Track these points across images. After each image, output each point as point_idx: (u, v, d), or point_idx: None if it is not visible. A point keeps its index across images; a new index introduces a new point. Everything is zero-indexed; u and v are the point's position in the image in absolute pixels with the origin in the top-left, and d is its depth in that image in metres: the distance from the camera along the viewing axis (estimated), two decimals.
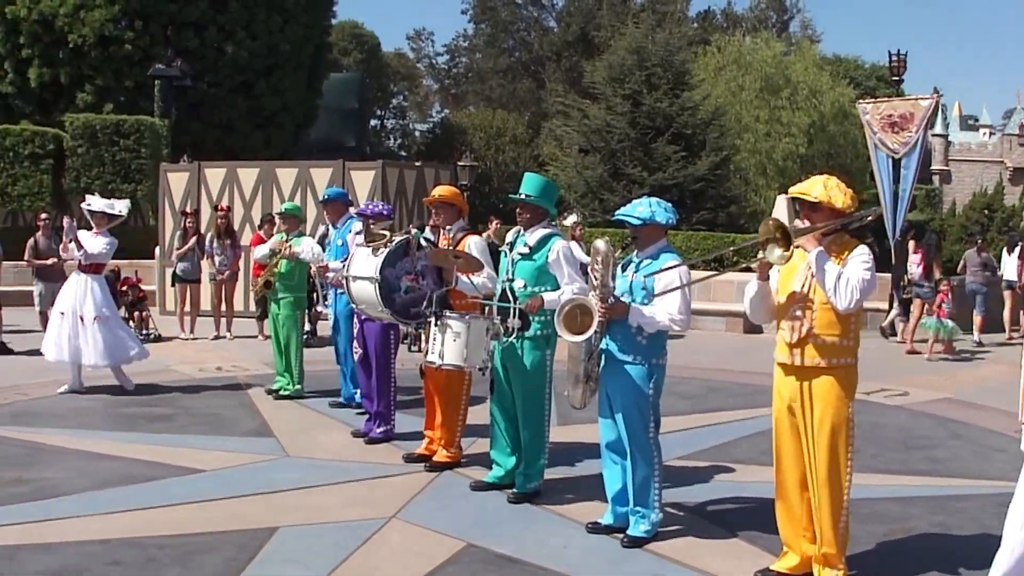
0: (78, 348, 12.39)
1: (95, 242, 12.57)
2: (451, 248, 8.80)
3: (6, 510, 7.87)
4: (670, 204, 7.34)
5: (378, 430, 10.27)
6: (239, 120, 35.17)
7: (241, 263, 18.81)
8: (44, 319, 15.27)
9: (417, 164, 24.72)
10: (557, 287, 8.02)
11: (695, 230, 26.64)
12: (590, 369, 7.26)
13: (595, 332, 7.05)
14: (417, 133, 66.43)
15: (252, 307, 19.55)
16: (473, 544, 7.22)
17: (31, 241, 16.98)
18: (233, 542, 7.18)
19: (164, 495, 8.34)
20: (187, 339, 17.92)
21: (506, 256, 8.36)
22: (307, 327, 15.03)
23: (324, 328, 15.46)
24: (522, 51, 62.62)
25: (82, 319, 12.39)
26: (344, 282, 9.29)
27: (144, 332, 17.68)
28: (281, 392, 12.58)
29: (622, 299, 7.13)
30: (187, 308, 18.38)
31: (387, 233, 9.09)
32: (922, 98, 20.73)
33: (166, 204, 21.67)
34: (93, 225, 12.71)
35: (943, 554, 7.15)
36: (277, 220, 13.57)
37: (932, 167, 58.37)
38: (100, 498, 8.25)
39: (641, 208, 7.18)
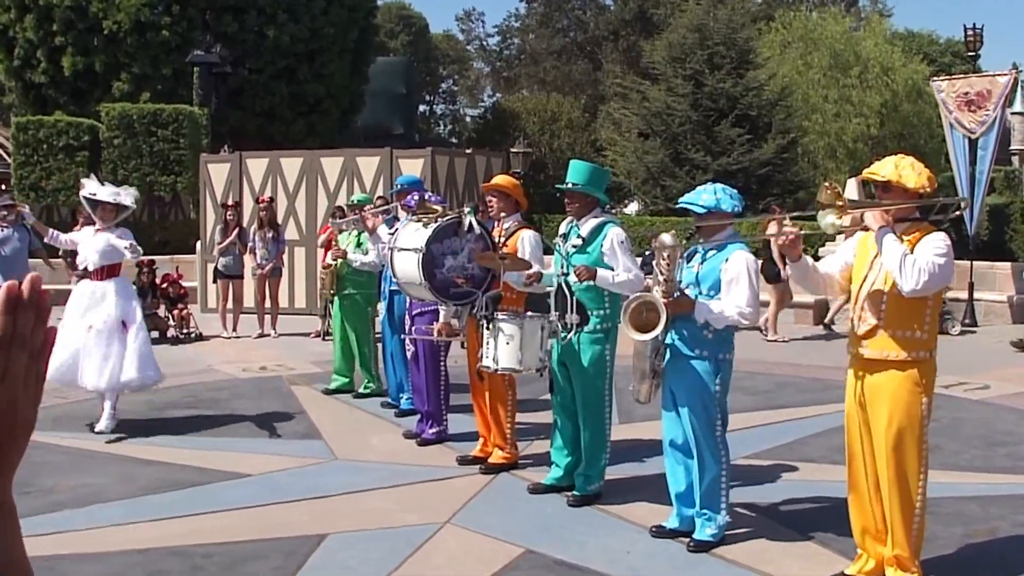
0: (88, 370, 10.12)
1: (100, 240, 10.33)
2: (498, 250, 8.52)
3: (46, 518, 7.70)
4: (735, 191, 7.11)
5: (430, 431, 9.99)
6: (281, 107, 34.92)
7: (285, 257, 18.54)
8: None
9: (468, 151, 24.50)
10: None
11: (762, 217, 26.14)
12: (656, 364, 7.03)
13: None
14: (468, 119, 66.31)
15: (298, 303, 19.33)
16: (532, 550, 7.04)
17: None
18: (281, 549, 7.07)
19: (209, 501, 8.21)
20: (230, 338, 17.55)
21: (559, 248, 8.09)
22: None
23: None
24: (577, 31, 61.97)
25: (91, 327, 10.10)
26: (388, 254, 9.09)
27: (185, 331, 17.46)
28: (362, 391, 12.27)
29: (687, 292, 6.88)
30: (229, 305, 17.99)
31: (439, 208, 8.93)
32: (1000, 74, 19.99)
33: (207, 196, 21.41)
34: (97, 219, 10.43)
35: None
36: (347, 212, 13.30)
37: (1011, 147, 57.18)
38: (143, 505, 8.12)
39: (706, 196, 6.94)
